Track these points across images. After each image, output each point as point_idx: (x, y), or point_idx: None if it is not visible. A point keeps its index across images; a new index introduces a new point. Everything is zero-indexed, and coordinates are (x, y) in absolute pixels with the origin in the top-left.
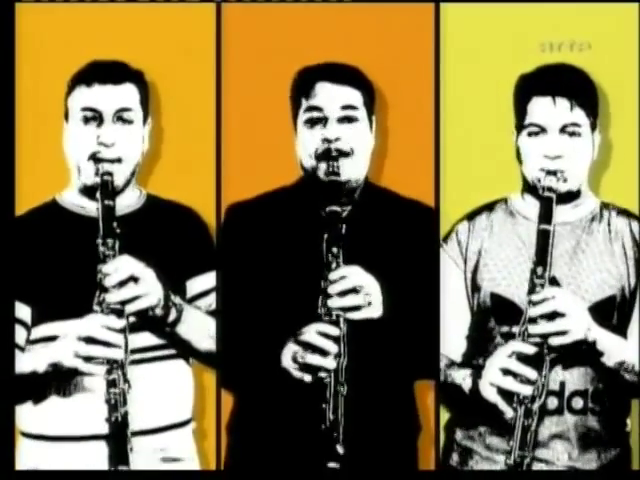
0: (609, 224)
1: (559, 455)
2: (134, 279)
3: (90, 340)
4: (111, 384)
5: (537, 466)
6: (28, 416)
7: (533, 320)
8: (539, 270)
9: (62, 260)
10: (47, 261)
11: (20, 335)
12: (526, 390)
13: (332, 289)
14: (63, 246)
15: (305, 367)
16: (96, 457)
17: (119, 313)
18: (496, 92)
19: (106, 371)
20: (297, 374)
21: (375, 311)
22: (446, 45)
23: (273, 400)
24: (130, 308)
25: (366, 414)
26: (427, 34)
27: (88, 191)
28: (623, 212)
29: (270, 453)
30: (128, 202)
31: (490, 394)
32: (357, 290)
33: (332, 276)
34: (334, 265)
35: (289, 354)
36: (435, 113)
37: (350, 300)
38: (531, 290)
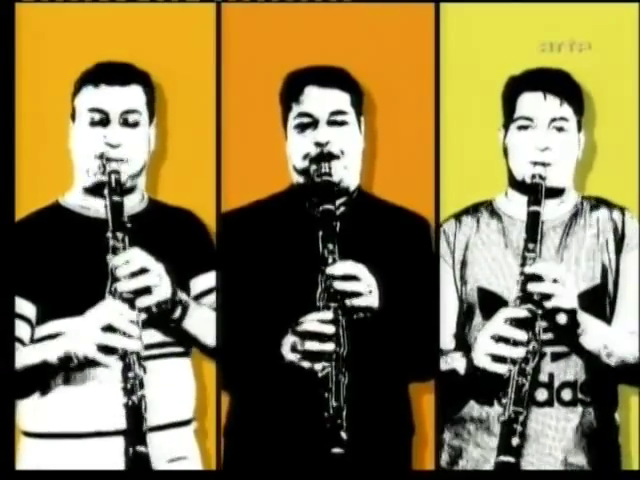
0: (590, 216)
1: (550, 449)
2: (144, 271)
3: (109, 329)
4: (127, 368)
5: (528, 460)
6: (30, 415)
7: (524, 289)
8: (530, 245)
9: (67, 260)
10: (53, 262)
11: (24, 332)
12: (519, 353)
13: (331, 275)
14: (68, 247)
15: (306, 355)
16: (101, 454)
17: (131, 303)
18: (496, 92)
19: (121, 356)
20: (305, 364)
21: (374, 300)
22: (446, 45)
23: (274, 394)
24: (142, 299)
25: (365, 405)
26: (427, 34)
27: (94, 190)
28: (603, 202)
29: (271, 447)
30: (131, 205)
31: (485, 363)
32: (358, 278)
33: (329, 270)
34: (330, 260)
35: (288, 345)
36: (435, 113)
37: (351, 286)
38: (523, 263)
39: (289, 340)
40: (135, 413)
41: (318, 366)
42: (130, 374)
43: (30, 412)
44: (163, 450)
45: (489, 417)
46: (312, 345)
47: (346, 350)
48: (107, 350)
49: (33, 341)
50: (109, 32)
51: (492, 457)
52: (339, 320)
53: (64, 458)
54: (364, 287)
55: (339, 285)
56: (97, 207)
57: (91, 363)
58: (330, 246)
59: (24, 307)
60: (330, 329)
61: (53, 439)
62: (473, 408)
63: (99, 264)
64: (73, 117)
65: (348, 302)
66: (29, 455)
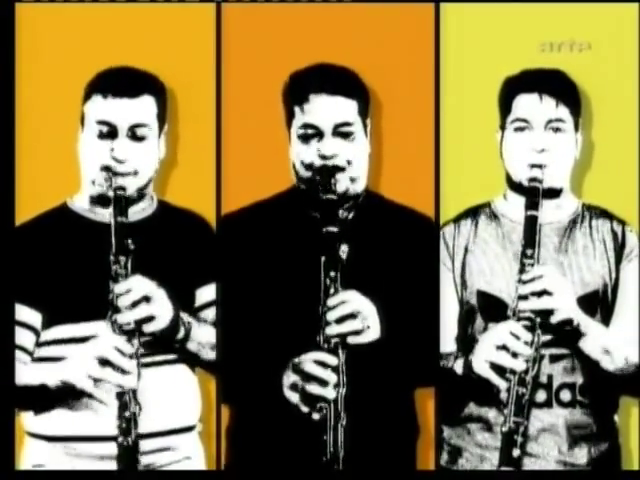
0: (591, 225)
1: (549, 450)
2: (146, 299)
3: (104, 362)
4: (123, 407)
5: (527, 461)
6: (34, 417)
7: (523, 297)
8: (528, 251)
9: (73, 265)
10: (58, 265)
11: (29, 340)
12: (520, 365)
13: (330, 316)
14: (74, 251)
15: (305, 397)
16: (102, 457)
17: (131, 334)
18: (496, 93)
19: (117, 395)
20: (304, 409)
21: (373, 334)
22: (446, 45)
23: (273, 424)
24: (143, 329)
25: (369, 408)
26: (427, 34)
27: (99, 201)
28: (604, 213)
29: (272, 453)
30: (140, 208)
31: (483, 370)
32: (355, 315)
33: (330, 302)
34: (332, 290)
35: (288, 382)
36: (435, 114)
37: (348, 326)
38: (521, 270)
39: (289, 378)
40: (128, 454)
41: (316, 415)
42: (126, 413)
43: (34, 415)
44: (167, 455)
45: (489, 416)
46: (313, 389)
47: (345, 390)
48: (102, 383)
49: (38, 345)
50: (109, 32)
51: (492, 456)
52: (339, 359)
53: (66, 460)
54: (360, 324)
55: (335, 329)
56: (104, 212)
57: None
58: (332, 274)
59: (29, 315)
60: (333, 377)
61: (56, 442)
62: (473, 407)
63: (105, 269)
64: (82, 123)
65: (347, 340)
66: (32, 455)
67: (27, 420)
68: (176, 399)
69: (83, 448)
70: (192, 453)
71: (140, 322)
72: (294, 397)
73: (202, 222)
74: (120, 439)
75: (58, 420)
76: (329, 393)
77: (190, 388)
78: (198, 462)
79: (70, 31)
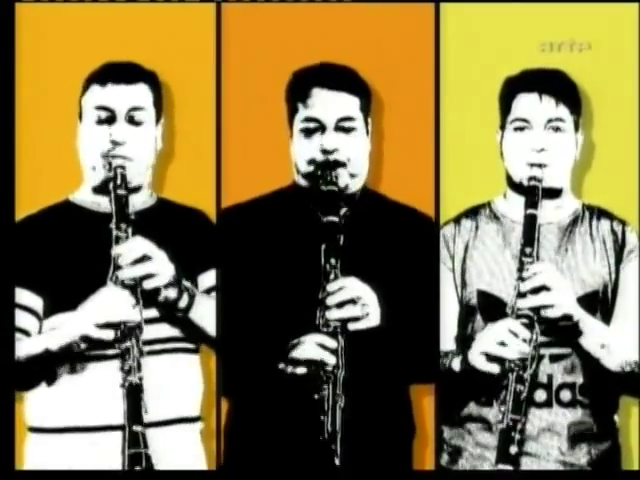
0: (591, 225)
1: (549, 449)
2: (147, 258)
3: (109, 310)
4: (125, 352)
5: (527, 460)
6: (36, 410)
7: (522, 295)
8: (527, 250)
9: (76, 254)
10: (63, 256)
11: (31, 325)
12: (516, 354)
13: (330, 300)
14: (79, 242)
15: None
16: (106, 448)
17: (132, 290)
18: (496, 93)
19: (120, 337)
20: (289, 369)
21: (373, 321)
22: (446, 45)
23: (271, 409)
24: (143, 285)
25: (363, 420)
26: (427, 34)
27: (102, 189)
28: (605, 213)
29: (269, 449)
30: (140, 201)
31: (480, 362)
32: (355, 301)
33: (330, 287)
34: (332, 276)
35: (284, 357)
36: (435, 114)
37: (348, 311)
38: (520, 269)
39: (286, 354)
40: (133, 392)
41: (301, 370)
42: (128, 357)
43: (36, 407)
44: (168, 446)
45: (489, 416)
46: (305, 353)
47: (344, 372)
48: (107, 328)
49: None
50: (109, 32)
51: (492, 456)
52: (339, 342)
53: (69, 452)
54: (360, 310)
55: (335, 314)
56: (106, 203)
57: (92, 347)
58: (332, 261)
59: (30, 299)
60: (332, 359)
61: (59, 434)
62: (473, 407)
63: (109, 259)
64: (80, 117)
65: (347, 326)
66: (35, 451)
67: (30, 414)
68: (177, 388)
69: (85, 439)
70: (192, 452)
71: (141, 279)
72: (285, 365)
73: (201, 214)
74: (123, 380)
75: (60, 412)
76: (330, 358)
77: (192, 378)
78: (198, 463)
79: (70, 31)
